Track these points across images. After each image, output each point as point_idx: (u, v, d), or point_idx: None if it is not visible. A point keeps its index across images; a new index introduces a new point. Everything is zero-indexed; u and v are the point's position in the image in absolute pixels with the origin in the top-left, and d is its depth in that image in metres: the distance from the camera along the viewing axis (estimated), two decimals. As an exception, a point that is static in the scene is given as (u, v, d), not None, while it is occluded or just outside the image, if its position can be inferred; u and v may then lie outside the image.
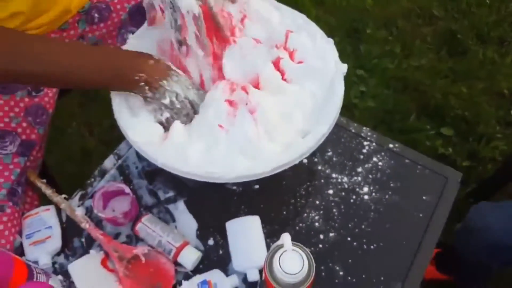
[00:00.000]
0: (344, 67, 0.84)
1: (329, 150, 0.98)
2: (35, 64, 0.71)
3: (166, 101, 0.76)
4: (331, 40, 0.87)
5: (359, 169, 0.95)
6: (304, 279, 0.60)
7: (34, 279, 0.69)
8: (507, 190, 1.57)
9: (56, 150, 1.70)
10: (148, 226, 0.84)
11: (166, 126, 0.79)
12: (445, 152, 1.72)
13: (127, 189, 0.86)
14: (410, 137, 1.74)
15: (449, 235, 1.49)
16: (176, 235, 0.84)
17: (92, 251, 0.83)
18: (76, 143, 1.74)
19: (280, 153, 0.76)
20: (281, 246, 0.61)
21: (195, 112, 0.80)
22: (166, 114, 0.78)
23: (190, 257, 0.82)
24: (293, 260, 0.59)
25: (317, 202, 0.91)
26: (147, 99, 0.77)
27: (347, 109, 1.75)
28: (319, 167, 0.96)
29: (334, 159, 0.97)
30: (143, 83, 0.74)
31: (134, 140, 0.77)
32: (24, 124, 0.90)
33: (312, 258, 0.61)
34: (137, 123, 0.79)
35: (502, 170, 1.53)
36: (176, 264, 0.83)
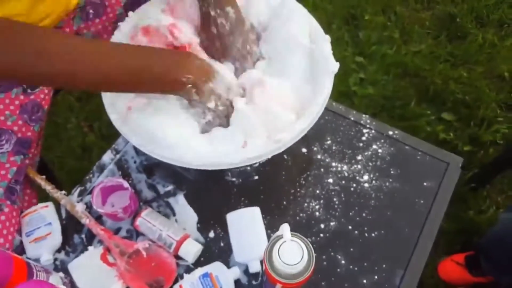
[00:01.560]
0: (335, 66, 0.82)
1: (328, 138, 0.97)
2: (72, 67, 0.64)
3: (212, 104, 0.75)
4: (327, 37, 0.86)
5: (359, 157, 0.95)
6: (304, 269, 0.59)
7: (34, 277, 0.69)
8: (508, 175, 1.57)
9: (56, 146, 1.70)
10: (148, 220, 0.84)
11: (205, 128, 0.79)
12: (446, 137, 1.72)
13: (126, 184, 0.85)
14: (411, 123, 1.74)
15: (453, 221, 1.49)
16: (176, 229, 0.83)
17: (90, 248, 0.82)
18: (75, 139, 1.73)
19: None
20: (281, 236, 0.61)
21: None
22: (209, 117, 0.77)
23: (190, 250, 0.82)
24: (292, 251, 0.59)
25: (317, 191, 0.91)
26: (191, 102, 0.76)
27: (346, 96, 1.74)
28: (319, 156, 0.95)
29: (334, 147, 0.96)
30: (190, 85, 0.71)
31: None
32: (20, 122, 0.90)
33: (311, 248, 0.60)
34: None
35: (503, 154, 1.52)
36: (177, 257, 0.82)
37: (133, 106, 0.80)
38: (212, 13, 0.81)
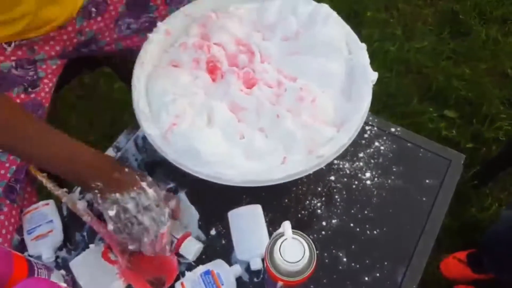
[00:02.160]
0: (374, 76, 0.82)
1: (330, 136, 0.97)
2: (15, 144, 0.74)
3: (112, 212, 0.74)
4: (363, 46, 0.86)
5: (361, 154, 0.94)
6: (306, 267, 0.59)
7: (35, 275, 0.69)
8: (511, 172, 1.56)
9: (57, 144, 1.69)
10: None
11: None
12: (448, 134, 1.71)
13: (127, 182, 0.85)
14: (413, 120, 1.73)
15: (455, 219, 1.49)
16: (177, 227, 0.83)
17: (91, 246, 0.82)
18: (77, 137, 1.72)
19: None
20: (282, 234, 0.60)
21: (149, 237, 0.76)
22: (110, 226, 0.75)
23: (191, 248, 0.82)
24: (293, 248, 0.59)
25: (319, 188, 0.91)
26: (97, 202, 0.76)
27: (349, 94, 1.74)
28: (320, 154, 0.95)
29: (335, 145, 0.96)
30: (96, 191, 0.74)
31: (148, 132, 0.79)
32: None
33: (313, 245, 0.60)
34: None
35: (506, 151, 1.52)
36: (178, 255, 0.82)
37: (179, 123, 0.80)
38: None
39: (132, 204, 0.75)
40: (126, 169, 0.76)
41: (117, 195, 0.74)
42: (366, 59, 0.84)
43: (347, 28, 0.89)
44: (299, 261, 0.58)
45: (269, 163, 0.77)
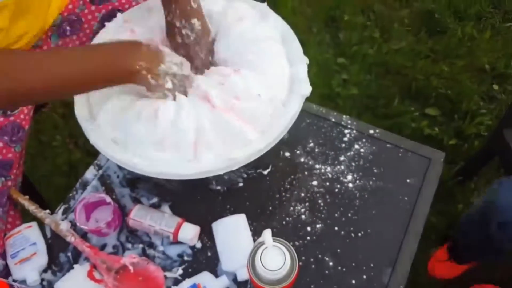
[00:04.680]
0: (307, 90, 0.80)
1: (311, 141, 0.97)
2: (33, 78, 0.68)
3: (169, 85, 0.76)
4: (304, 59, 0.84)
5: (342, 158, 0.95)
6: (287, 275, 0.59)
7: (19, 299, 0.69)
8: (494, 165, 1.58)
9: (42, 164, 1.68)
10: (137, 220, 0.85)
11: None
12: (431, 132, 1.72)
13: (108, 199, 0.85)
14: (396, 120, 1.74)
15: (443, 216, 1.50)
16: (168, 219, 0.85)
17: (76, 266, 0.82)
18: (61, 156, 1.72)
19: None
20: (262, 243, 0.61)
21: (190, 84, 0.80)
22: (170, 98, 0.78)
23: (189, 234, 0.84)
24: (274, 256, 0.59)
25: (302, 194, 0.91)
26: (151, 88, 0.76)
27: (330, 98, 1.74)
28: (302, 159, 0.95)
29: (316, 150, 0.96)
30: (144, 72, 0.73)
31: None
32: (0, 144, 0.89)
33: (294, 252, 0.60)
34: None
35: (487, 146, 1.53)
36: (165, 270, 0.82)
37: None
38: (177, 24, 0.82)
39: (174, 66, 0.76)
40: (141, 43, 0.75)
41: (163, 66, 0.75)
42: (305, 73, 0.82)
43: (292, 39, 0.87)
44: (280, 268, 0.58)
45: (182, 157, 0.76)
